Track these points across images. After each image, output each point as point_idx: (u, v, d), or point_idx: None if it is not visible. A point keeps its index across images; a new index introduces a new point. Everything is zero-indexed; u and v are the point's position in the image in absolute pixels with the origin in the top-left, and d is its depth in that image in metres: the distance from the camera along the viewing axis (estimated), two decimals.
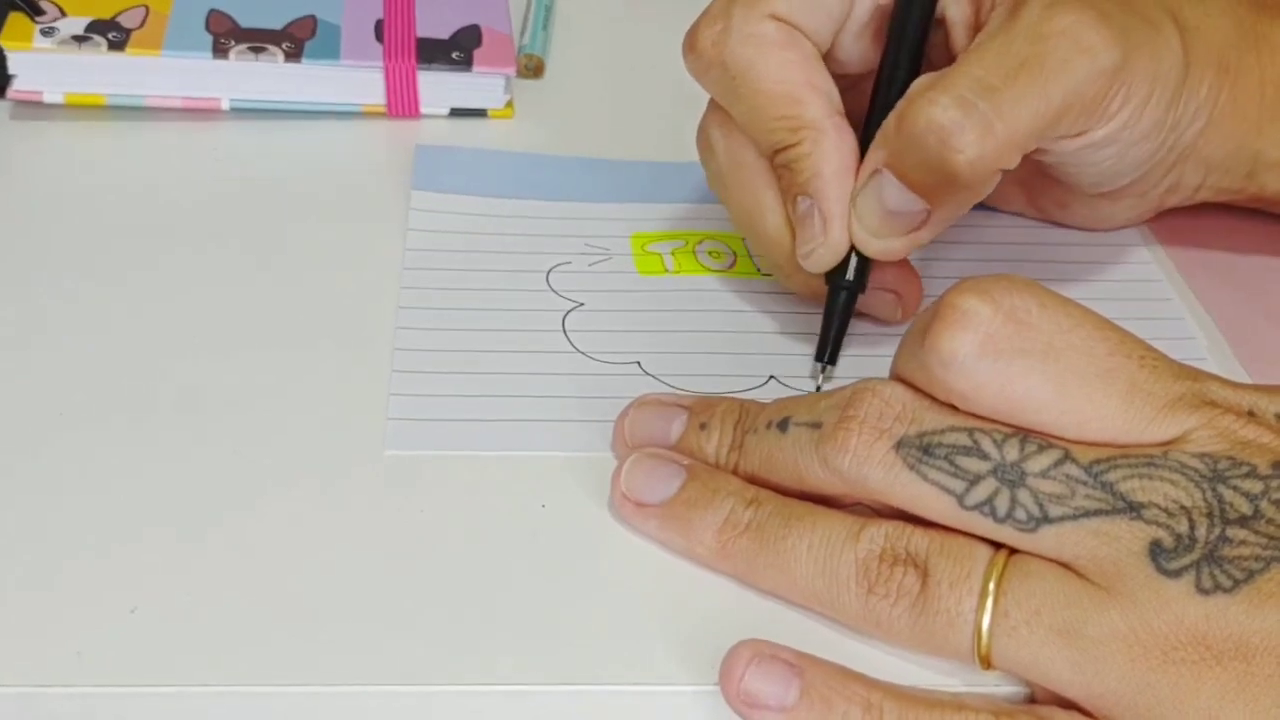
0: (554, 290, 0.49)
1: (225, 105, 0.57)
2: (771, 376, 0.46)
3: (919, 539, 0.36)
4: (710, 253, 0.51)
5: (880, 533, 0.36)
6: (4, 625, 0.36)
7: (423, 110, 0.58)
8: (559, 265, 0.50)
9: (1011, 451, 0.35)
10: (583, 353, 0.46)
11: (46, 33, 0.56)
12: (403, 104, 0.58)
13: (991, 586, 0.35)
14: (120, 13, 0.58)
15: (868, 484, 0.36)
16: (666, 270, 0.50)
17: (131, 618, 0.37)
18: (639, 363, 0.46)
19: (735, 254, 0.51)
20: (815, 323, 0.47)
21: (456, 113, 0.58)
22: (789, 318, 0.48)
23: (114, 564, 0.38)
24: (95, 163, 0.55)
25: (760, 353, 0.47)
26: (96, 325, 0.46)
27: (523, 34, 0.63)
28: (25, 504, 0.40)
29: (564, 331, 0.47)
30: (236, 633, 0.36)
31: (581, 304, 0.49)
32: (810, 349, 0.46)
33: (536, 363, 0.46)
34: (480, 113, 0.59)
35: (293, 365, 0.45)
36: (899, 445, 0.36)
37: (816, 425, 0.38)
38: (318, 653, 0.36)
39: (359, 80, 0.57)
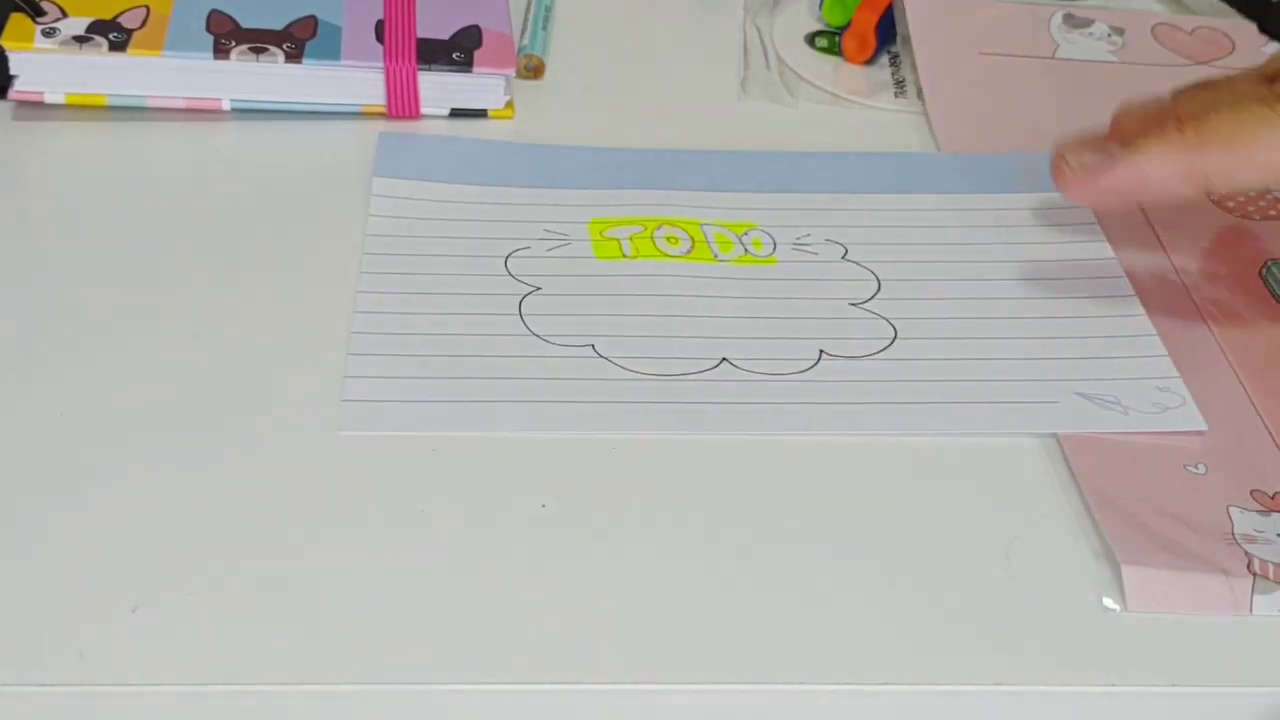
0: (512, 275, 0.49)
1: (226, 105, 0.57)
2: (724, 359, 0.46)
3: None
4: (668, 238, 0.52)
5: None
6: (4, 625, 0.36)
7: (423, 111, 0.58)
8: (518, 250, 0.51)
9: None
10: (538, 335, 0.47)
11: (48, 33, 0.56)
12: (403, 105, 0.58)
13: None
14: (121, 13, 0.58)
15: None
16: (624, 255, 0.51)
17: (133, 617, 0.37)
18: (593, 346, 0.46)
19: (692, 240, 0.51)
20: (765, 307, 0.48)
21: (457, 113, 0.59)
22: (742, 302, 0.49)
23: (114, 564, 0.38)
24: (96, 163, 0.55)
25: (713, 336, 0.47)
26: (97, 324, 0.46)
27: (523, 34, 0.63)
28: (26, 504, 0.40)
29: (520, 315, 0.48)
30: (236, 633, 0.36)
31: (539, 288, 0.49)
32: (762, 332, 0.47)
33: (492, 346, 0.46)
34: (481, 113, 0.59)
35: (293, 365, 0.45)
36: None
37: None
38: (318, 653, 0.36)
39: (360, 81, 0.57)
